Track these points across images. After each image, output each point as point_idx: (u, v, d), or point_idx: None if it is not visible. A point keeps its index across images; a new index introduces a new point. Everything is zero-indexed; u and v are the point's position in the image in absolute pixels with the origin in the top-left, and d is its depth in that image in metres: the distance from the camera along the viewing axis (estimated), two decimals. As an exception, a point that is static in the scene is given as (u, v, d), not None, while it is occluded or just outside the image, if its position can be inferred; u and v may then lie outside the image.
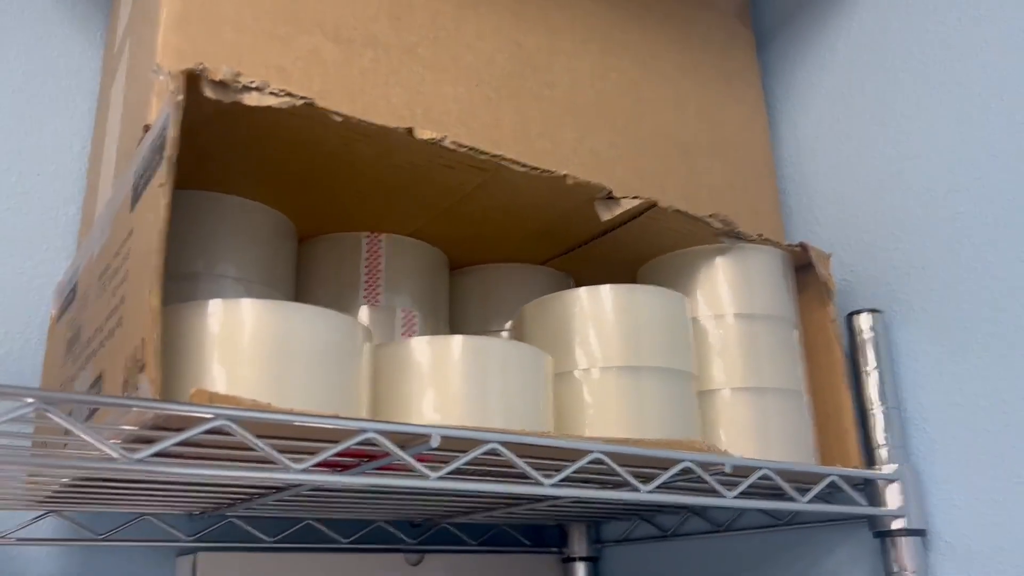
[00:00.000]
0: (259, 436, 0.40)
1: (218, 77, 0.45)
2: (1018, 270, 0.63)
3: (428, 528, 0.81)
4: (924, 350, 0.68)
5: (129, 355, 0.43)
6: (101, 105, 0.76)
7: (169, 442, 0.37)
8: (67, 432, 0.49)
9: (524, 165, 0.57)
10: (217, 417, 0.38)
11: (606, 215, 0.61)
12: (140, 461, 0.36)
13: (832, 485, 0.61)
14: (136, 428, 0.41)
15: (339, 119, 0.50)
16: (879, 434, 0.66)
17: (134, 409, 0.38)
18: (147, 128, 0.50)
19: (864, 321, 0.69)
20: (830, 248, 0.75)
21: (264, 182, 0.59)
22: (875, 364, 0.68)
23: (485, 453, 0.46)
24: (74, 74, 0.81)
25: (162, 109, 0.47)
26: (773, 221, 0.75)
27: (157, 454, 0.36)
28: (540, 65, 0.65)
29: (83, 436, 0.35)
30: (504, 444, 0.46)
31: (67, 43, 0.81)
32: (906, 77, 0.73)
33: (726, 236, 0.66)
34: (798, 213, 0.80)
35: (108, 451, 0.35)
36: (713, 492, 0.54)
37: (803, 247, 0.70)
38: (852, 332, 0.70)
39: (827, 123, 0.79)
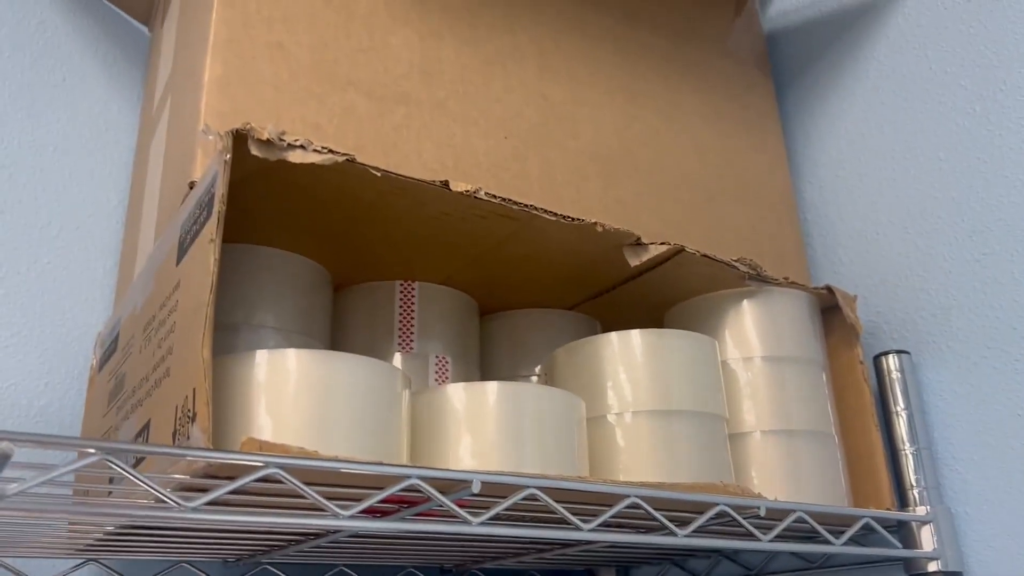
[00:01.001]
0: (307, 483, 0.41)
1: (264, 136, 0.47)
2: (1044, 310, 0.63)
3: (458, 574, 0.81)
4: (953, 390, 0.68)
5: (179, 405, 0.44)
6: (138, 160, 0.79)
7: (223, 491, 0.38)
8: (111, 480, 0.50)
9: (555, 214, 0.58)
10: (268, 465, 0.39)
11: (634, 261, 0.62)
12: (195, 510, 0.37)
13: (866, 527, 0.61)
14: (186, 477, 0.42)
15: (378, 174, 0.52)
16: (911, 475, 0.66)
17: (186, 458, 0.39)
18: (192, 184, 0.52)
19: (892, 362, 0.70)
20: (855, 290, 0.76)
21: (301, 234, 0.61)
22: (904, 405, 0.68)
23: (524, 498, 0.47)
24: (111, 130, 0.84)
25: (209, 166, 0.49)
26: (798, 264, 0.76)
27: (210, 503, 0.37)
28: (565, 117, 0.67)
29: (145, 485, 0.36)
30: (542, 489, 0.47)
31: (105, 101, 0.84)
32: (925, 118, 0.74)
33: (752, 279, 0.67)
34: (822, 255, 0.81)
35: (166, 500, 0.36)
36: (748, 535, 0.55)
37: (829, 289, 0.70)
38: (880, 373, 0.70)
39: (848, 166, 0.81)
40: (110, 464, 0.35)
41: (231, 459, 0.39)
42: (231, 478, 0.40)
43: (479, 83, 0.65)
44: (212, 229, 0.44)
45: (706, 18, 0.82)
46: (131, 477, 0.35)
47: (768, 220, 0.76)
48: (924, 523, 0.64)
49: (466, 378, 0.67)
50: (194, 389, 0.42)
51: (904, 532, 0.65)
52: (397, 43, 0.63)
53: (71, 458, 0.35)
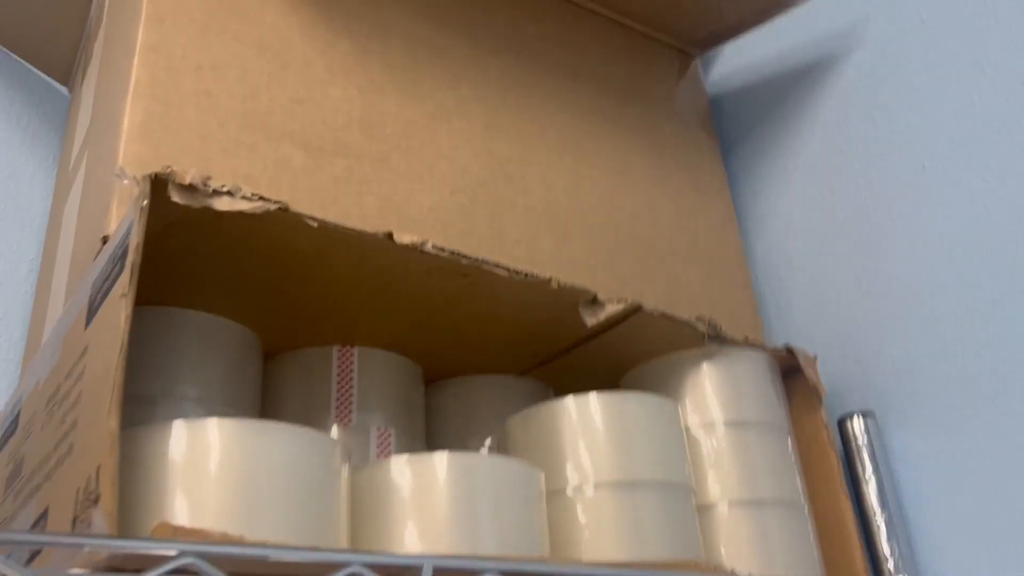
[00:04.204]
0: (230, 574, 0.35)
1: (186, 181, 0.43)
2: (1007, 369, 0.61)
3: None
4: (920, 453, 0.65)
5: (81, 487, 0.38)
6: (52, 226, 0.73)
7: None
8: (2, 580, 0.43)
9: (507, 269, 0.55)
10: (183, 554, 0.33)
11: (591, 319, 0.59)
12: (92, 611, 0.31)
13: (844, 603, 0.57)
14: (87, 571, 0.36)
15: (314, 224, 0.47)
16: (884, 544, 0.63)
17: (86, 549, 0.33)
18: (106, 239, 0.47)
19: (857, 425, 0.67)
20: (811, 349, 0.73)
21: (229, 295, 0.56)
22: (873, 469, 0.65)
23: (482, 583, 0.41)
24: (23, 195, 0.78)
25: (124, 217, 0.44)
26: (753, 325, 0.73)
27: (112, 602, 0.31)
28: (514, 174, 0.64)
29: (25, 583, 0.30)
30: (502, 573, 0.42)
31: (17, 166, 0.79)
32: (875, 176, 0.74)
33: (712, 340, 0.64)
34: (776, 317, 0.79)
35: (54, 600, 0.30)
36: (724, 616, 0.50)
37: (789, 350, 0.68)
38: (845, 437, 0.67)
39: (797, 226, 0.79)
40: (-14, 558, 0.29)
41: (138, 548, 0.33)
42: (140, 571, 0.34)
43: (424, 138, 0.61)
44: (124, 283, 0.39)
45: (650, 80, 0.81)
46: (9, 573, 0.29)
47: (721, 280, 0.73)
48: (902, 596, 0.60)
49: (411, 451, 0.61)
50: (99, 467, 0.36)
51: (881, 607, 0.61)
52: (336, 95, 0.59)
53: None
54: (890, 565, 0.62)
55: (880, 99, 0.75)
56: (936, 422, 0.65)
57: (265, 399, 0.60)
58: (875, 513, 0.64)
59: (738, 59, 0.90)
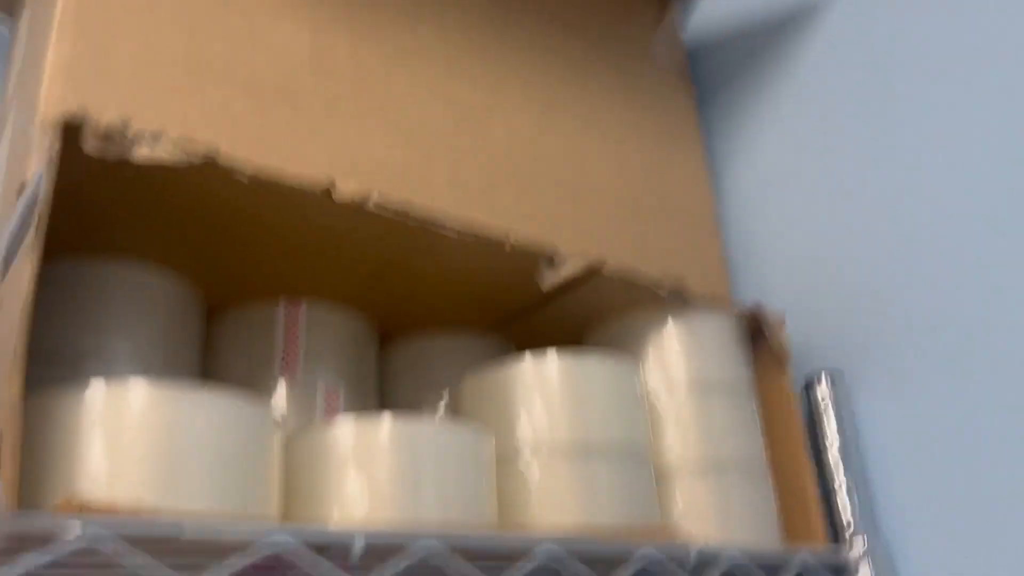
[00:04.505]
0: (146, 549, 0.33)
1: (102, 127, 0.39)
2: (979, 332, 0.60)
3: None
4: (887, 414, 0.64)
5: (-15, 455, 0.36)
6: (-10, 168, 0.69)
7: (19, 568, 0.29)
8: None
9: (458, 231, 0.51)
10: (87, 529, 0.31)
11: (549, 280, 0.56)
12: (-18, 594, 0.29)
13: (801, 567, 0.56)
14: (-12, 547, 0.33)
15: (244, 179, 0.44)
16: (845, 510, 0.62)
17: (-18, 525, 0.31)
18: (22, 188, 0.43)
19: (824, 386, 0.65)
20: (783, 308, 0.71)
21: (165, 247, 0.53)
22: (837, 431, 0.64)
23: (421, 557, 0.39)
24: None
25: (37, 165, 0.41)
26: (721, 284, 0.71)
27: (6, 584, 0.29)
28: (475, 122, 0.61)
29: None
30: (444, 544, 0.40)
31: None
32: (853, 132, 0.71)
33: (675, 300, 0.62)
34: (746, 275, 0.76)
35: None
36: (677, 585, 0.49)
37: (756, 310, 0.66)
38: (811, 397, 0.66)
39: (773, 181, 0.77)
40: None
41: (34, 526, 0.30)
42: (46, 545, 0.32)
43: (378, 83, 0.58)
44: (31, 239, 0.36)
45: (626, 25, 0.77)
46: None
47: (690, 237, 0.71)
48: (861, 559, 0.59)
49: (362, 411, 0.59)
50: (0, 433, 0.34)
51: (841, 571, 0.60)
52: (283, 37, 0.55)
53: None
54: (850, 529, 0.61)
55: (863, 53, 0.72)
56: (904, 384, 0.63)
57: (207, 357, 0.57)
58: (837, 477, 0.63)
59: (718, 7, 0.87)
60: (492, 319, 0.67)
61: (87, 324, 0.49)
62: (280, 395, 0.55)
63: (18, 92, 0.58)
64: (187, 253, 0.53)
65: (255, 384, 0.55)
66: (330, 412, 0.56)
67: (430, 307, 0.64)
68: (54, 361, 0.49)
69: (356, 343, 0.60)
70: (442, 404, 0.63)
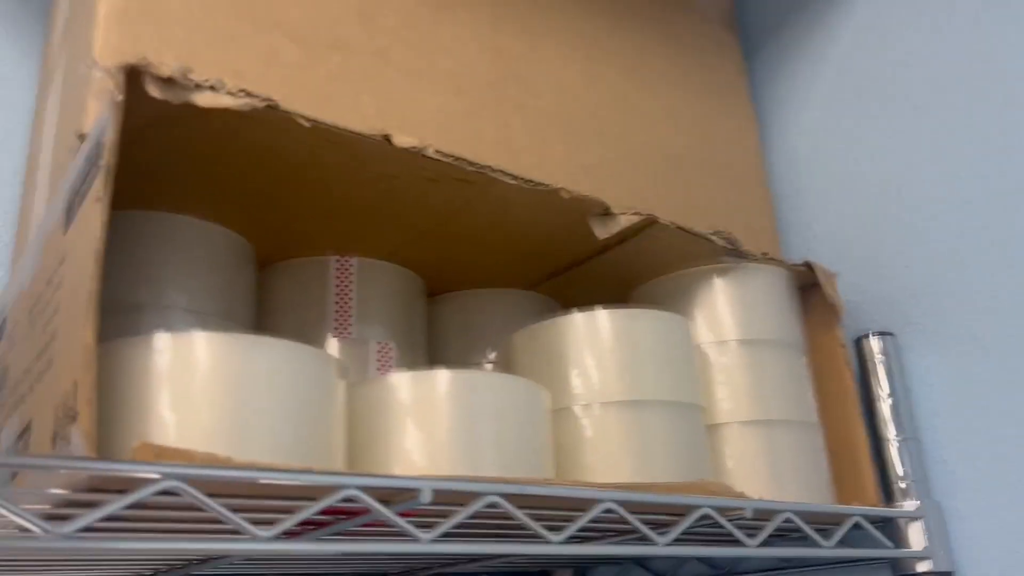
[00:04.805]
0: (217, 496, 0.33)
1: (165, 73, 0.39)
2: (1039, 287, 0.58)
3: (403, 581, 0.74)
4: (940, 375, 0.63)
5: (59, 403, 0.36)
6: (36, 122, 0.69)
7: (103, 511, 0.30)
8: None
9: (516, 177, 0.51)
10: (166, 477, 0.31)
11: (602, 233, 0.55)
12: (68, 537, 0.29)
13: (854, 526, 0.56)
14: (68, 492, 0.34)
15: (307, 124, 0.43)
16: (897, 468, 0.61)
17: (63, 472, 0.31)
18: (83, 137, 0.43)
19: (875, 345, 0.64)
20: (831, 267, 0.70)
21: (218, 200, 0.52)
22: (889, 391, 0.63)
23: (483, 507, 0.39)
24: (5, 88, 0.73)
25: (100, 113, 0.40)
26: (769, 239, 0.70)
27: (89, 528, 0.29)
28: (523, 73, 0.60)
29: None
30: (504, 496, 0.40)
31: (-1, 56, 0.74)
32: (908, 81, 0.69)
33: (729, 255, 0.61)
34: (795, 231, 0.75)
35: (29, 527, 0.28)
36: (732, 541, 0.49)
37: (808, 266, 0.65)
38: (862, 357, 0.65)
39: (822, 134, 0.75)
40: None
41: (118, 471, 0.31)
42: (122, 492, 0.32)
43: (426, 31, 0.57)
44: (99, 187, 0.36)
45: (671, -26, 0.75)
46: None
47: (738, 191, 0.70)
48: (913, 520, 0.59)
49: (412, 367, 0.59)
50: (75, 382, 0.34)
51: (890, 529, 0.59)
52: (331, -16, 0.54)
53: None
54: (902, 487, 0.60)
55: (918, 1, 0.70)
56: (959, 344, 0.62)
57: (260, 310, 0.57)
58: (889, 434, 0.62)
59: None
60: (538, 276, 0.67)
61: (143, 276, 0.49)
62: (332, 349, 0.55)
63: (66, 43, 0.58)
64: (241, 207, 0.53)
65: (307, 338, 0.55)
66: (383, 366, 0.56)
67: (477, 264, 0.64)
68: (111, 312, 0.49)
69: (406, 298, 0.60)
70: (490, 359, 0.63)
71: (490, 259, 0.63)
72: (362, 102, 0.51)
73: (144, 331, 0.48)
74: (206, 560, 0.52)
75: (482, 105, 0.56)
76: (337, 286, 0.57)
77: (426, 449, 0.44)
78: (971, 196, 0.63)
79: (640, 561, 0.78)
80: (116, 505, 0.30)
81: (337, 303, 0.57)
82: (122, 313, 0.49)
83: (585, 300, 0.67)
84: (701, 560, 0.73)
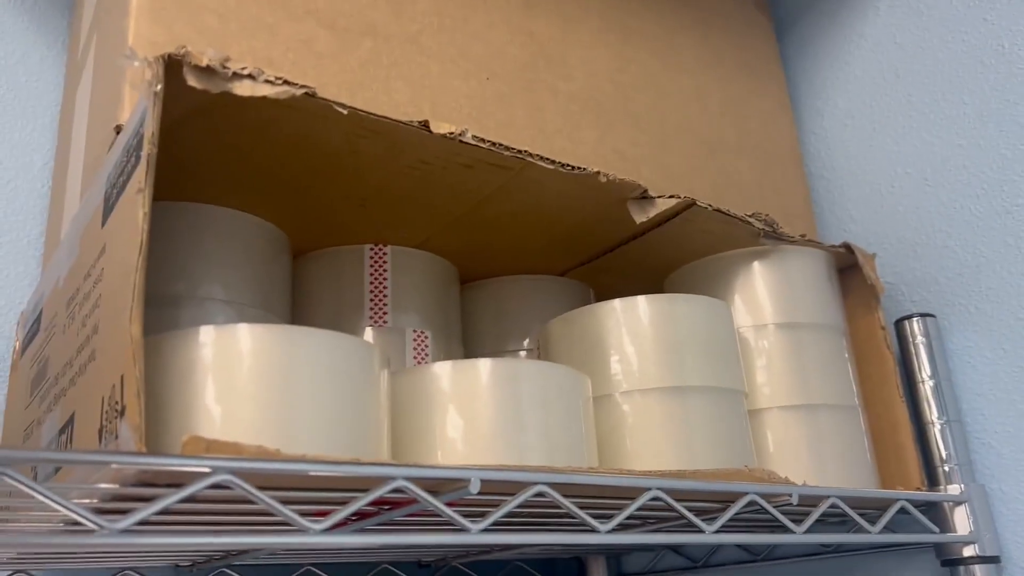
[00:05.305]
0: (266, 489, 0.33)
1: (204, 63, 0.38)
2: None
3: (438, 568, 0.74)
4: (983, 356, 0.62)
5: (106, 396, 0.36)
6: (64, 115, 0.69)
7: (157, 506, 0.29)
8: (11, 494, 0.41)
9: (553, 162, 0.50)
10: (217, 471, 0.31)
11: (640, 217, 0.55)
12: (125, 532, 0.29)
13: (900, 510, 0.55)
14: (116, 487, 0.34)
15: (344, 112, 0.43)
16: (940, 451, 0.60)
17: (113, 466, 0.31)
18: (119, 128, 0.43)
19: (916, 327, 0.63)
20: (868, 249, 0.69)
21: (253, 190, 0.52)
22: (931, 373, 0.62)
23: (531, 496, 0.39)
24: (33, 84, 0.73)
25: (137, 104, 0.40)
26: (805, 221, 0.69)
27: (144, 522, 0.29)
28: (555, 57, 0.59)
29: (51, 503, 0.27)
30: (551, 485, 0.39)
31: (25, 51, 0.74)
32: (946, 58, 0.67)
33: (767, 238, 0.60)
34: (830, 212, 0.74)
35: (83, 521, 0.28)
36: (778, 527, 0.48)
37: (847, 247, 0.64)
38: (903, 339, 0.64)
39: (857, 114, 0.74)
40: (5, 478, 0.26)
41: (170, 465, 0.30)
42: (173, 485, 0.32)
43: (456, 16, 0.56)
44: (140, 177, 0.36)
45: (700, -48, 0.74)
46: (35, 495, 0.26)
47: (773, 173, 0.69)
48: (958, 503, 0.58)
49: (448, 355, 0.59)
50: (122, 376, 0.34)
51: (935, 514, 0.59)
52: (361, -30, 0.54)
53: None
54: (946, 471, 0.60)
55: (957, -28, 0.68)
56: (1002, 324, 0.61)
57: (295, 300, 0.57)
58: (932, 417, 0.61)
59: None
60: (571, 262, 0.66)
61: (179, 267, 0.49)
62: (368, 338, 0.55)
63: (96, 35, 0.57)
64: (276, 197, 0.52)
65: (343, 328, 0.55)
66: (419, 355, 0.55)
67: (509, 250, 0.64)
68: (147, 304, 0.49)
69: (441, 286, 0.60)
70: (524, 347, 0.62)
71: (523, 245, 0.62)
72: (394, 88, 0.51)
73: (182, 323, 0.48)
74: (246, 551, 0.52)
75: (514, 89, 0.56)
76: (372, 275, 0.57)
77: (469, 438, 0.44)
78: (1013, 175, 0.62)
79: (675, 548, 0.77)
80: (171, 499, 0.29)
81: (372, 292, 0.56)
82: (159, 305, 0.49)
83: (618, 286, 0.67)
84: (738, 545, 0.73)
